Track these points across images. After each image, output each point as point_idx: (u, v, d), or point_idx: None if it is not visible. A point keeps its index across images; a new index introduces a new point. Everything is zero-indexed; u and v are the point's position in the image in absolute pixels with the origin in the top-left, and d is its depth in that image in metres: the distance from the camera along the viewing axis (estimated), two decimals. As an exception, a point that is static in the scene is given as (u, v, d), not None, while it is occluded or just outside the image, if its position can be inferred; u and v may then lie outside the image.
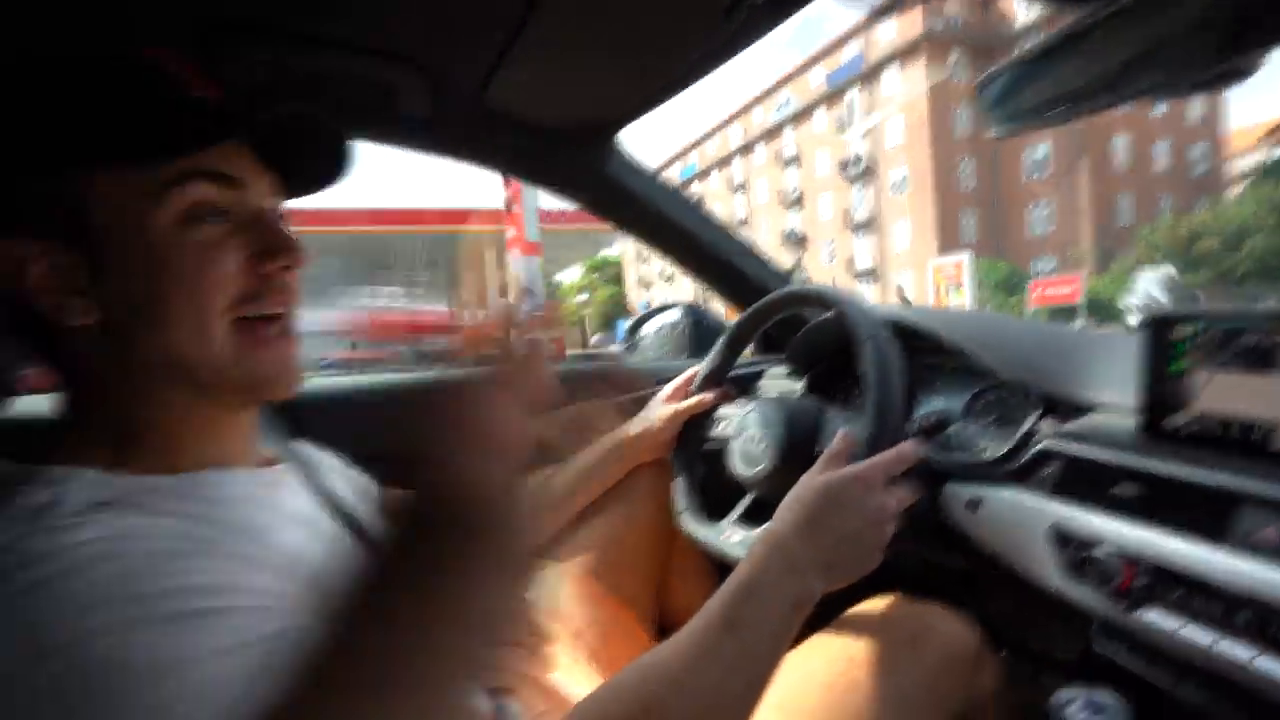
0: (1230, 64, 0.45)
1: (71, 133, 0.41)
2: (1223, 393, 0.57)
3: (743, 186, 41.22)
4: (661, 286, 47.17)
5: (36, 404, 0.86)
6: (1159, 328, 0.61)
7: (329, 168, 0.51)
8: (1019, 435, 0.78)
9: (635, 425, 0.96)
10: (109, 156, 0.40)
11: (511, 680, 0.78)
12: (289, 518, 0.48)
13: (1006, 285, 25.18)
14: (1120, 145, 29.81)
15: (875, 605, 0.77)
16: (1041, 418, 0.77)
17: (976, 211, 31.09)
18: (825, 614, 0.81)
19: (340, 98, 0.84)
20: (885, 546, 0.57)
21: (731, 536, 0.83)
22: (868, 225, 33.77)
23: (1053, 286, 21.68)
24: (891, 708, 0.66)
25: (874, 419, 0.69)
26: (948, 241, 29.52)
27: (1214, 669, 0.55)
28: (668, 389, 0.99)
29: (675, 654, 0.47)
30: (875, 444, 0.68)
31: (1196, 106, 30.25)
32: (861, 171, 33.41)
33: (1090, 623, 0.69)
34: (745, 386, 1.18)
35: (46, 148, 0.41)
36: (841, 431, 0.63)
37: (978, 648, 0.75)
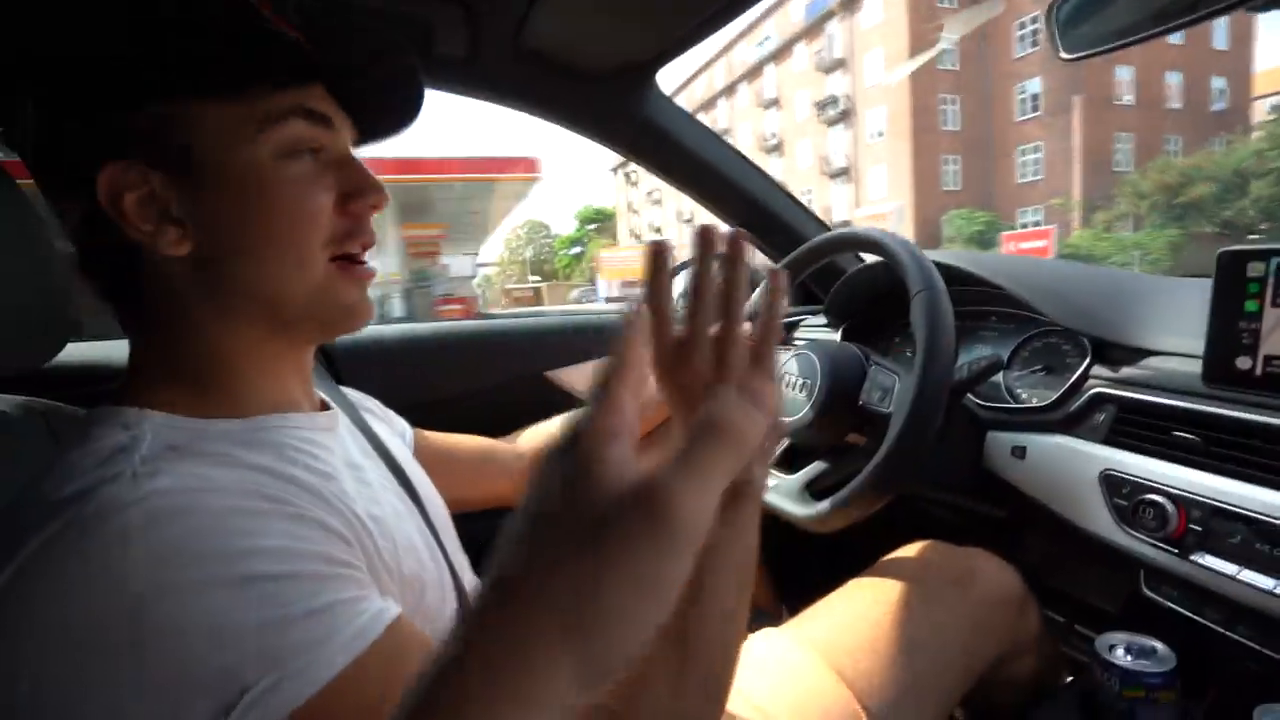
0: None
1: (176, 61, 0.40)
2: (1299, 333, 0.55)
3: (726, 132, 37.52)
4: (651, 239, 46.29)
5: (90, 349, 0.88)
6: (1234, 264, 0.59)
7: (403, 115, 0.52)
8: (1070, 382, 0.76)
9: None
10: (214, 87, 0.41)
11: None
12: (344, 463, 0.49)
13: (982, 239, 22.36)
14: (1124, 78, 24.12)
15: (917, 549, 0.77)
16: (1093, 364, 0.76)
17: (961, 156, 26.76)
18: (867, 559, 0.82)
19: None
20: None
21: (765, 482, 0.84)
22: (845, 173, 29.62)
23: (1026, 240, 19.23)
24: (937, 646, 0.67)
25: (921, 374, 0.67)
26: (926, 190, 25.88)
27: (1274, 611, 0.54)
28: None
29: None
30: (921, 399, 0.66)
31: (1219, 32, 24.90)
32: (840, 113, 29.13)
33: (1137, 569, 0.68)
34: (783, 335, 1.17)
35: (150, 75, 0.40)
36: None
37: (1021, 592, 0.75)
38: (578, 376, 1.09)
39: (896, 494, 0.71)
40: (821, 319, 1.12)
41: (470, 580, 0.61)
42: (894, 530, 0.90)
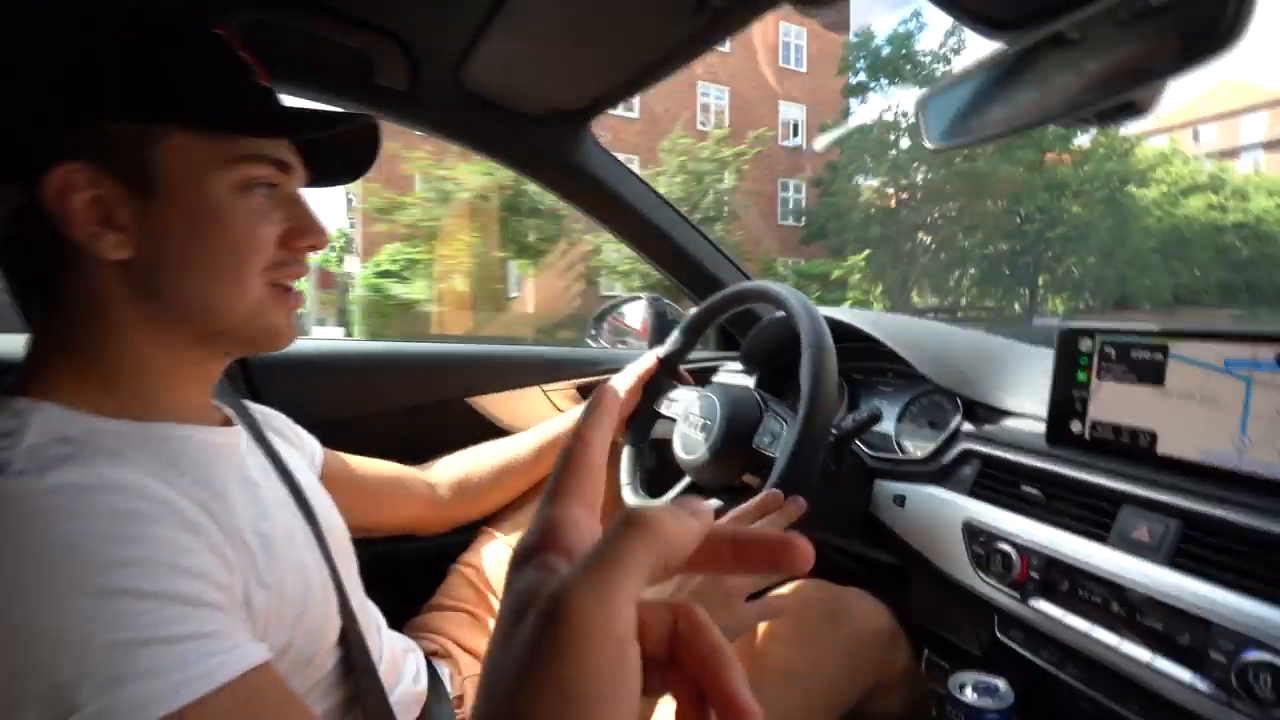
0: (1129, 99, 0.50)
1: (164, 89, 0.44)
2: (1117, 402, 0.62)
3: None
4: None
5: None
6: (1070, 340, 0.66)
7: (356, 167, 0.57)
8: (943, 437, 0.83)
9: None
10: (195, 121, 0.44)
11: (445, 644, 0.80)
12: (239, 478, 0.49)
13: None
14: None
15: (796, 586, 0.81)
16: (963, 421, 0.82)
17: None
18: (751, 594, 0.85)
19: (319, 64, 0.85)
20: (743, 623, 0.62)
21: None
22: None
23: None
24: (807, 677, 0.70)
25: (801, 425, 0.72)
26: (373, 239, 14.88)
27: (1091, 652, 0.60)
28: (628, 370, 1.02)
29: None
30: (798, 449, 0.71)
31: (791, 53, 18.60)
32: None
33: (993, 614, 0.74)
34: (701, 380, 1.21)
35: (137, 95, 0.43)
36: (731, 515, 0.65)
37: (891, 627, 0.79)
38: (498, 405, 1.11)
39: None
40: (739, 364, 1.18)
41: (360, 601, 0.62)
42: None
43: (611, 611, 0.20)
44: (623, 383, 0.99)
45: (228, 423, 0.55)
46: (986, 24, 0.56)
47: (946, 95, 0.63)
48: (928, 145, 0.65)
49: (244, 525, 0.45)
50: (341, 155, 0.55)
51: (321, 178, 0.55)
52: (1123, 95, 0.49)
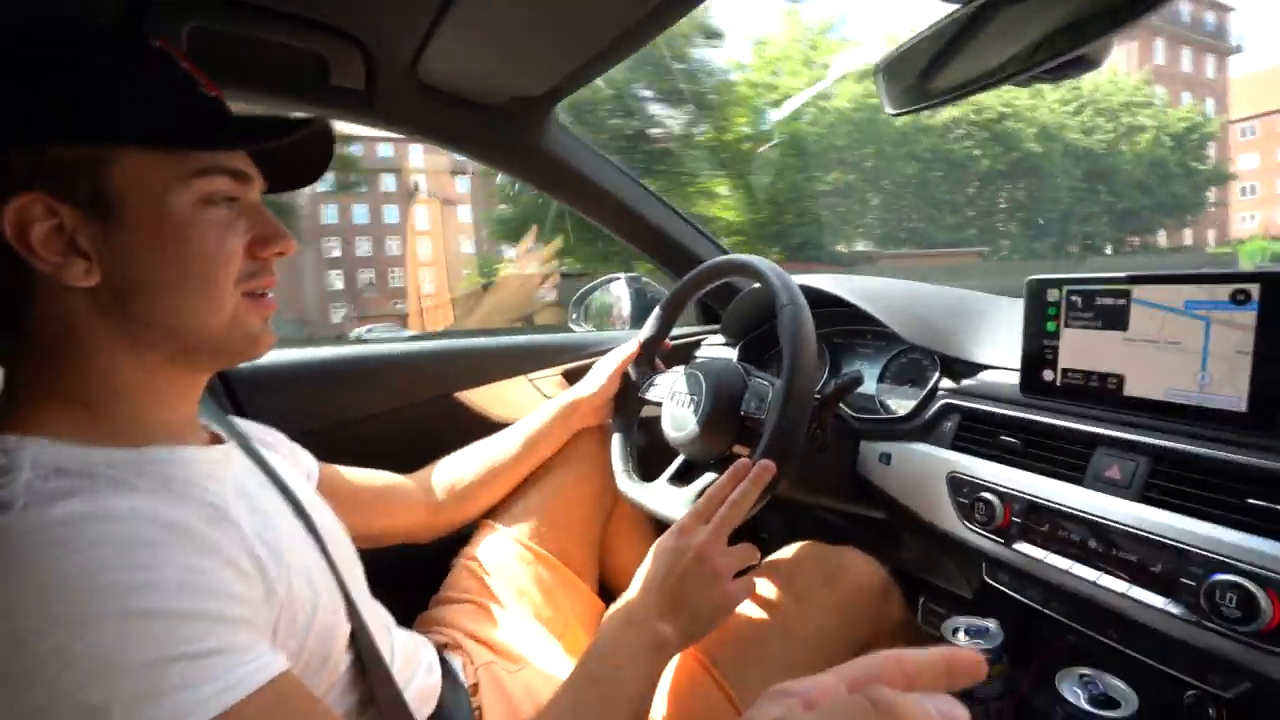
0: (1083, 52, 0.51)
1: (110, 108, 0.43)
2: (1085, 348, 0.65)
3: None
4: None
5: None
6: (1038, 291, 0.68)
7: (311, 172, 0.57)
8: (923, 394, 0.85)
9: (577, 389, 1.00)
10: (147, 139, 0.43)
11: (455, 635, 0.82)
12: (236, 493, 0.50)
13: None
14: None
15: (794, 550, 0.84)
16: (941, 377, 0.85)
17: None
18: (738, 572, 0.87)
19: (271, 69, 0.83)
20: (732, 599, 0.64)
21: (661, 495, 0.88)
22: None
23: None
24: (810, 638, 0.73)
25: (789, 377, 0.74)
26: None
27: (1072, 588, 0.63)
28: (610, 355, 1.03)
29: (552, 710, 0.55)
30: (789, 399, 0.73)
31: None
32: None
33: (980, 560, 0.77)
34: (685, 354, 1.23)
35: (84, 117, 0.42)
36: (707, 494, 0.68)
37: (885, 583, 0.82)
38: (486, 398, 1.12)
39: (775, 493, 0.76)
40: (721, 337, 1.19)
41: (365, 601, 0.63)
42: (794, 535, 0.97)
43: None
44: (605, 368, 1.00)
45: (217, 440, 0.56)
46: (938, -13, 0.57)
47: (903, 60, 0.63)
48: (888, 111, 0.66)
49: (250, 536, 0.46)
50: (297, 159, 0.55)
51: (277, 184, 0.55)
52: (1075, 49, 0.50)
